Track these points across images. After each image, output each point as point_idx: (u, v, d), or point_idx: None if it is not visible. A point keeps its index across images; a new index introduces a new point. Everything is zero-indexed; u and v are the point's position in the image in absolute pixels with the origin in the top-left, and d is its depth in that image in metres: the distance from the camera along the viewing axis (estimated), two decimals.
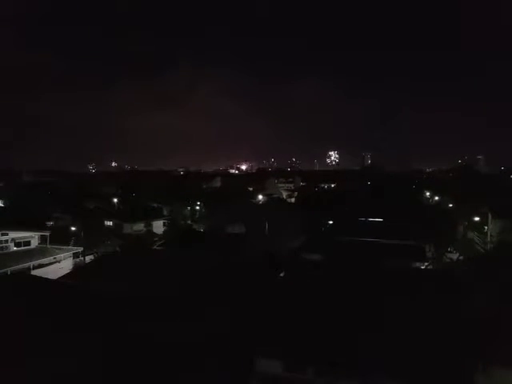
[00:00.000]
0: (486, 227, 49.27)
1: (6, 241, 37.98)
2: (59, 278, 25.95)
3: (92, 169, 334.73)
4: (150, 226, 56.39)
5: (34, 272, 34.07)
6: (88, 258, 41.28)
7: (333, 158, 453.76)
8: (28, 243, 39.70)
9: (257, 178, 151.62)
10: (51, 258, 38.54)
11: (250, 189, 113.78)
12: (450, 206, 68.51)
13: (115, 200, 79.56)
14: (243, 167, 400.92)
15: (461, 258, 35.53)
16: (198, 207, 73.89)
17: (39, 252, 38.67)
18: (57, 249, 40.16)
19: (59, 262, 39.08)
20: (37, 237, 41.12)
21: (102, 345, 13.89)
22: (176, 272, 22.86)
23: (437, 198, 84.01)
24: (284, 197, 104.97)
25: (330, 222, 50.06)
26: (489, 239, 44.64)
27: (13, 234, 38.55)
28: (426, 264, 30.15)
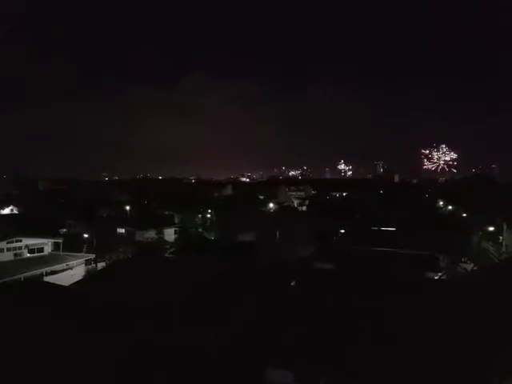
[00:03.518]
0: (500, 237, 48.31)
1: (20, 247, 38.58)
2: (71, 284, 26.18)
3: (106, 176, 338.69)
4: (162, 233, 56.59)
5: (47, 278, 34.40)
6: (100, 265, 41.55)
7: (343, 166, 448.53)
8: (41, 250, 40.28)
9: (268, 187, 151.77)
10: (64, 265, 38.91)
11: (261, 197, 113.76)
12: (464, 215, 67.43)
13: (127, 208, 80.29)
14: (254, 175, 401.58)
15: (475, 268, 34.85)
16: (209, 215, 74.06)
17: (52, 259, 39.12)
18: (69, 256, 40.55)
19: (71, 268, 39.39)
20: (50, 243, 41.70)
21: (113, 351, 13.91)
22: (187, 280, 22.85)
23: (450, 207, 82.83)
24: (295, 205, 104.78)
25: (342, 231, 49.68)
26: (504, 249, 43.73)
27: (27, 241, 39.18)
28: (440, 274, 29.63)
